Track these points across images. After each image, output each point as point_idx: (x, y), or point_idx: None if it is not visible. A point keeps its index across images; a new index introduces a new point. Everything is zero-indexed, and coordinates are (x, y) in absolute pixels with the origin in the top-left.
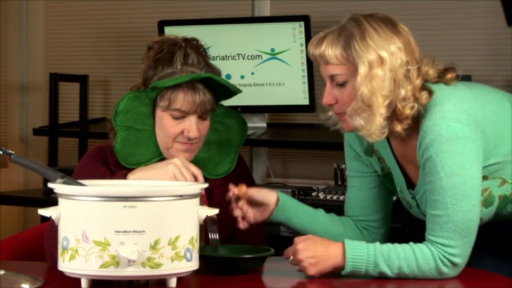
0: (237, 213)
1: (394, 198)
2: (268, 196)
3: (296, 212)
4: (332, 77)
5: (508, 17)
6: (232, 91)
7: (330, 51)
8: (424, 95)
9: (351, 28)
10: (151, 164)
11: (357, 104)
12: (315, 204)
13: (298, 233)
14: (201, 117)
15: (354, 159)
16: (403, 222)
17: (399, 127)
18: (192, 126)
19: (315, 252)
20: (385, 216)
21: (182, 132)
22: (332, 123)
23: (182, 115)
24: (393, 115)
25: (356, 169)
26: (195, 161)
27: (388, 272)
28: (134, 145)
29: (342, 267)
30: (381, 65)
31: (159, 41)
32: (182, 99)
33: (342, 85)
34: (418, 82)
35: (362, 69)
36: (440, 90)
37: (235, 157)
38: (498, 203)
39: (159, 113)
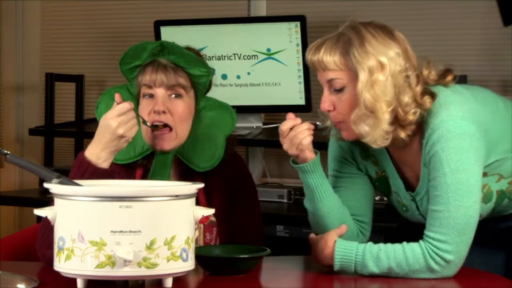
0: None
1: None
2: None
3: (322, 175)
4: (330, 83)
5: (504, 17)
6: (207, 75)
7: (329, 57)
8: (427, 99)
9: (349, 34)
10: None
11: (361, 111)
12: None
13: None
14: (172, 94)
15: (344, 161)
16: (399, 222)
17: (403, 134)
18: (158, 100)
19: (315, 250)
20: (370, 220)
21: (152, 112)
22: (333, 134)
23: (150, 92)
24: (396, 122)
25: (345, 170)
26: (182, 154)
27: (377, 272)
28: None
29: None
30: (382, 70)
31: None
32: (147, 74)
33: (339, 91)
34: (418, 88)
35: (363, 75)
36: (441, 92)
37: (222, 149)
38: (496, 198)
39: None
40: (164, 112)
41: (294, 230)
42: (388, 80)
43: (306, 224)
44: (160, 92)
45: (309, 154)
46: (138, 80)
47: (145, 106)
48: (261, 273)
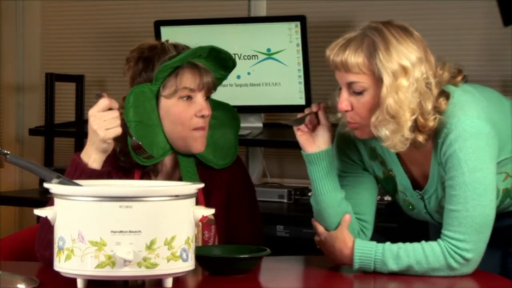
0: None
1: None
2: (327, 139)
3: (332, 167)
4: (349, 85)
5: (504, 18)
6: (227, 71)
7: (353, 59)
8: (442, 101)
9: (373, 37)
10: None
11: (382, 116)
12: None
13: (294, 232)
14: (205, 96)
15: (351, 162)
16: (399, 222)
17: (421, 138)
18: (203, 104)
19: (332, 250)
20: (372, 219)
21: (194, 116)
22: (341, 125)
23: (189, 94)
24: (416, 127)
25: (351, 170)
26: (200, 154)
27: (396, 270)
28: (149, 141)
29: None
30: (405, 75)
31: (137, 49)
32: (188, 77)
33: (359, 93)
34: (435, 92)
35: (387, 80)
36: (454, 92)
37: (237, 146)
38: (501, 197)
39: (164, 104)
40: None
41: (294, 230)
42: (412, 86)
43: (306, 224)
44: (201, 95)
45: (321, 145)
46: (176, 82)
47: (185, 109)
48: (261, 273)
